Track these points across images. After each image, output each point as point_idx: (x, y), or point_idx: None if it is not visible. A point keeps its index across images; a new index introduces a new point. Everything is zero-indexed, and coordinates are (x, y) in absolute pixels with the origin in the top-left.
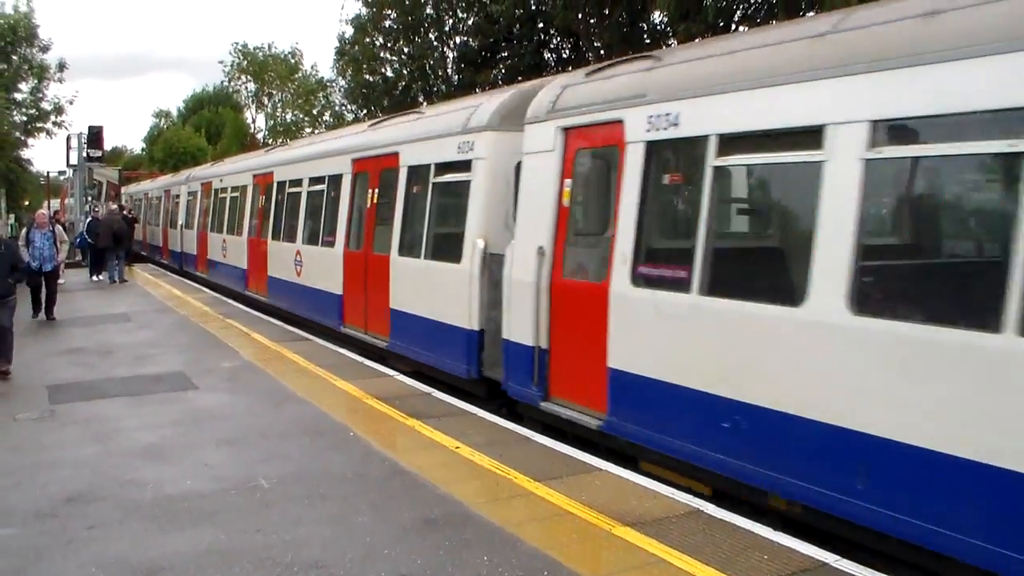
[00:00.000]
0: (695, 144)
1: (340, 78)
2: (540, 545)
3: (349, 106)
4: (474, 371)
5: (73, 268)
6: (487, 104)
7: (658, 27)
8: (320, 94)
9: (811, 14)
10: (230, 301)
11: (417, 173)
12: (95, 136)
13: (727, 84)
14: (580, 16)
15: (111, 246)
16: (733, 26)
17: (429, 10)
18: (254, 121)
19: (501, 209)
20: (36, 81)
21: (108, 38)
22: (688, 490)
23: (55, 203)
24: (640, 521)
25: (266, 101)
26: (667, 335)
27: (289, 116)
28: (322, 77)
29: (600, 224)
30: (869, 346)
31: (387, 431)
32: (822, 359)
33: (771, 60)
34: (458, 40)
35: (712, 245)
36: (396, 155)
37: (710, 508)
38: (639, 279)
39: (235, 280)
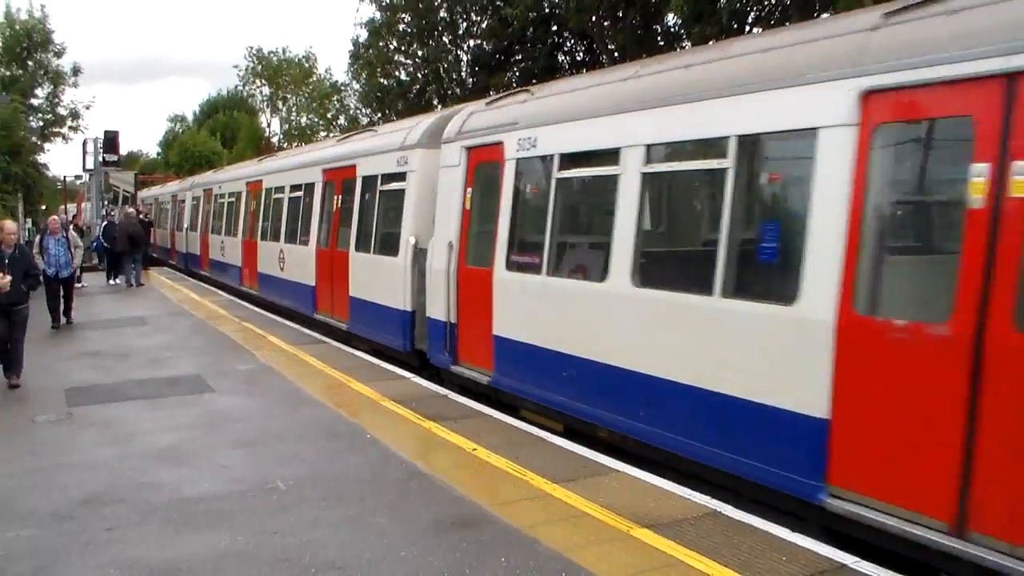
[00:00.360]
0: (545, 161)
1: (354, 82)
2: (558, 547)
3: (364, 110)
4: (408, 345)
5: (90, 272)
6: (419, 126)
7: (672, 29)
8: (335, 98)
9: (825, 15)
10: (245, 304)
11: (369, 182)
12: (111, 141)
13: (566, 116)
14: (594, 19)
15: (127, 250)
16: (747, 28)
17: (443, 13)
18: (269, 125)
19: (429, 212)
20: (52, 86)
21: (125, 43)
22: (543, 427)
23: (72, 207)
24: (658, 522)
25: (281, 105)
26: (528, 308)
27: (304, 120)
28: (336, 81)
29: (490, 223)
30: (643, 309)
31: (404, 433)
32: (617, 320)
33: (592, 97)
34: (472, 43)
35: (556, 239)
36: (354, 167)
37: (728, 509)
38: (512, 265)
39: (232, 277)
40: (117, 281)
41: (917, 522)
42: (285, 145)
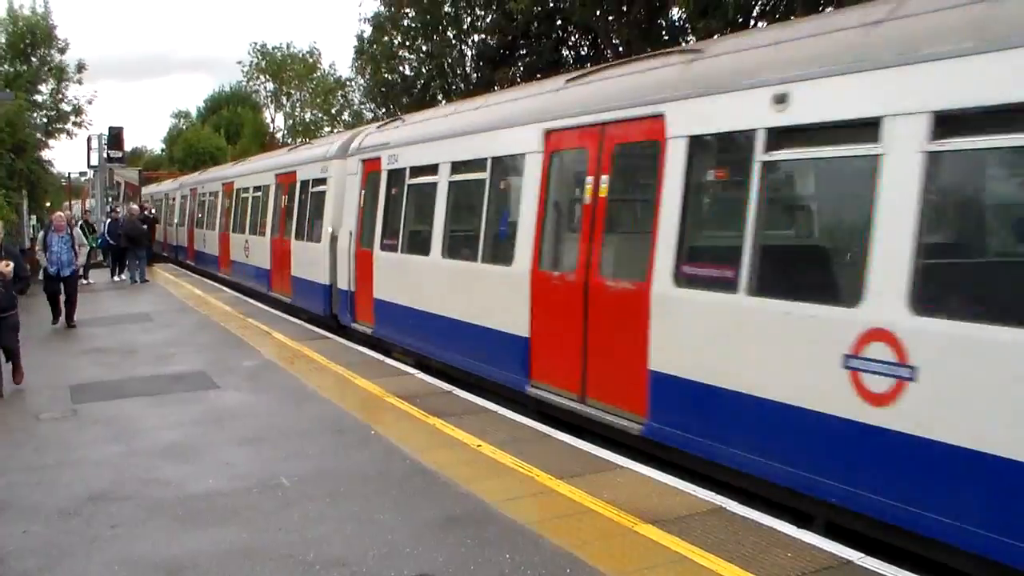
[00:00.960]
0: (403, 172)
1: (359, 77)
2: (563, 543)
3: (368, 105)
4: (327, 311)
5: (96, 269)
6: (336, 142)
7: (677, 23)
8: (339, 93)
9: (829, 9)
10: (250, 300)
11: (304, 185)
12: (115, 137)
13: (413, 140)
14: (598, 13)
15: (129, 247)
16: (752, 22)
17: (447, 8)
18: (273, 121)
19: (340, 208)
20: (55, 83)
21: (129, 40)
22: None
23: (77, 204)
24: (662, 518)
25: (285, 100)
26: (392, 276)
27: (308, 116)
28: (340, 76)
29: (373, 216)
30: (447, 273)
31: (408, 429)
32: (435, 281)
33: (426, 128)
34: (476, 38)
35: (408, 228)
36: (295, 172)
37: (732, 505)
38: (384, 246)
39: (212, 265)
40: (122, 278)
41: (566, 397)
42: (289, 141)
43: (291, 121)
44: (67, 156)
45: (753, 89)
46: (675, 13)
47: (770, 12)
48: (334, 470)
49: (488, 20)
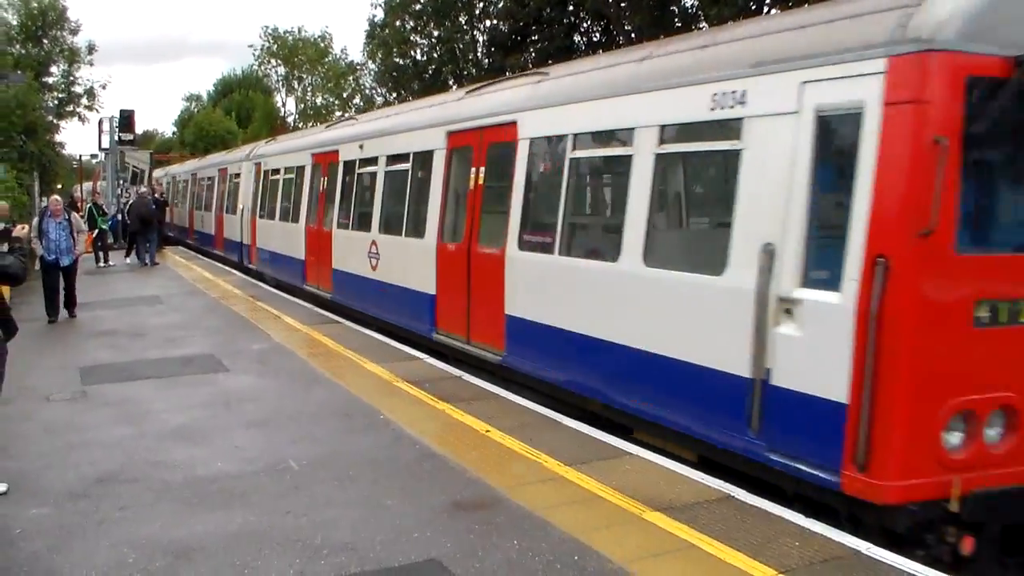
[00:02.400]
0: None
1: (370, 61)
2: (570, 529)
3: (379, 89)
4: (247, 262)
5: (111, 251)
6: (248, 150)
7: (689, 10)
8: (350, 77)
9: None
10: (261, 284)
11: (234, 176)
12: (127, 120)
13: (281, 151)
14: None
15: (139, 229)
16: (766, 8)
17: None
18: (284, 105)
19: (249, 195)
20: (67, 65)
21: (143, 24)
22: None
23: (88, 185)
24: (671, 506)
25: (296, 85)
26: (264, 232)
27: (319, 100)
28: (352, 60)
29: (256, 198)
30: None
31: (417, 414)
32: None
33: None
34: (488, 23)
35: (267, 206)
36: (226, 168)
37: (741, 494)
38: (260, 215)
39: (208, 243)
40: (128, 261)
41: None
42: (300, 125)
43: (302, 105)
44: (79, 139)
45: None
46: (688, 0)
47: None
48: (342, 454)
49: (500, 6)
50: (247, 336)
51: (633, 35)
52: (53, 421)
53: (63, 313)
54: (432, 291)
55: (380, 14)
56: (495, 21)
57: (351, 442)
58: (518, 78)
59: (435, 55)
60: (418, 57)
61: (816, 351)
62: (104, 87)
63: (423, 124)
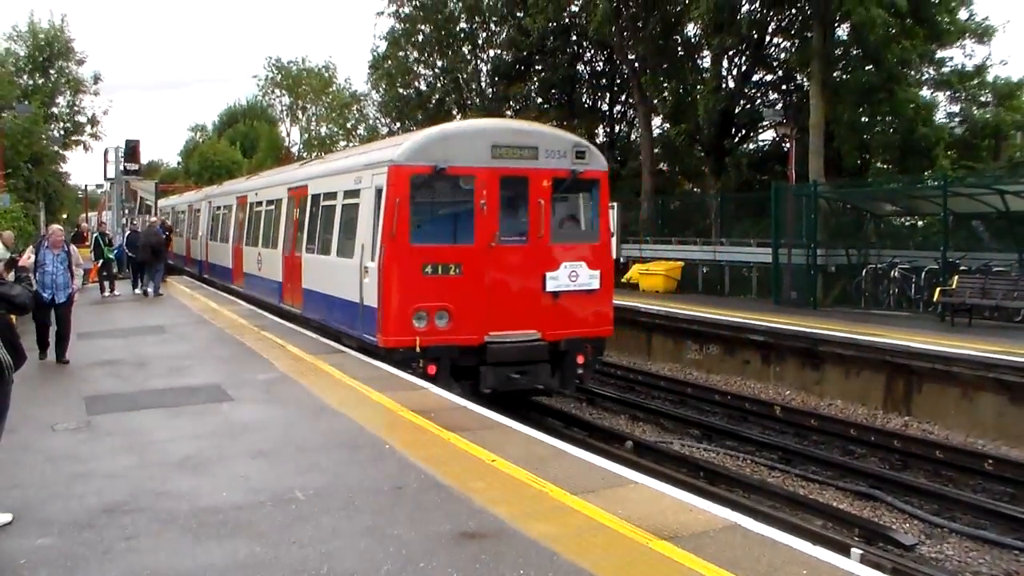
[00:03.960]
0: (197, 206)
1: (374, 92)
2: (577, 559)
3: (383, 119)
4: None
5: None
6: (205, 192)
7: (692, 40)
8: (354, 107)
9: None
10: (265, 314)
11: (192, 210)
12: (131, 149)
13: (217, 195)
14: (614, 29)
15: (149, 259)
16: (768, 38)
17: (463, 24)
18: (288, 135)
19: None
20: (72, 95)
21: (149, 55)
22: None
23: (94, 215)
24: (677, 535)
25: (300, 115)
26: (198, 249)
27: (324, 130)
28: (356, 91)
29: (207, 228)
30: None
31: (423, 444)
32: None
33: (224, 189)
34: (492, 53)
35: (208, 235)
36: (191, 205)
37: (748, 523)
38: (212, 239)
39: (182, 263)
40: (147, 290)
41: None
42: (304, 155)
43: (306, 135)
44: (84, 169)
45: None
46: (691, 29)
47: (785, 28)
48: (348, 484)
49: (503, 36)
50: (252, 366)
51: (636, 64)
52: (58, 451)
53: (50, 355)
54: (280, 279)
55: (383, 45)
56: (498, 51)
57: (357, 472)
58: (309, 164)
59: (439, 85)
60: (422, 87)
61: (371, 288)
62: (106, 112)
63: (276, 183)
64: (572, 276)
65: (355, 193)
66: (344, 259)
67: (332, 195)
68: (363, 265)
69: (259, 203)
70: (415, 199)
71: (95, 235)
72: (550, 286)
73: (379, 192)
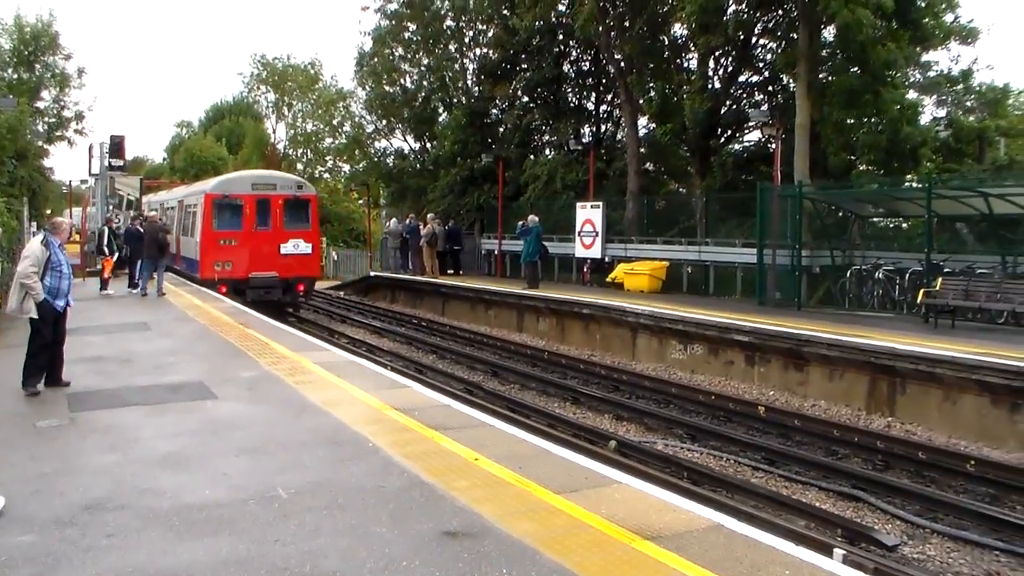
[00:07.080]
0: (171, 205)
1: (360, 89)
2: (559, 558)
3: (368, 117)
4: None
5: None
6: (206, 184)
7: (679, 40)
8: (340, 104)
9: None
10: (249, 311)
11: (191, 205)
12: (116, 145)
13: (166, 198)
14: (601, 29)
15: (155, 256)
16: (754, 39)
17: (449, 22)
18: (274, 131)
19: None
20: (58, 89)
21: (134, 50)
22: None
23: (77, 211)
24: (660, 535)
25: (286, 111)
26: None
27: (310, 126)
28: (342, 88)
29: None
30: (194, 242)
31: (407, 442)
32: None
33: (170, 193)
34: (478, 52)
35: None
36: (182, 200)
37: (731, 523)
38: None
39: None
40: (145, 291)
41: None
42: (291, 152)
43: (292, 131)
44: (68, 164)
45: (200, 193)
46: (677, 29)
47: (772, 29)
48: (331, 482)
49: (490, 34)
50: (236, 363)
51: (623, 64)
52: (40, 448)
53: (41, 387)
54: (198, 258)
55: (369, 43)
56: (485, 50)
57: (340, 470)
58: (180, 187)
59: (424, 83)
60: (408, 85)
61: (198, 251)
62: (91, 108)
63: (198, 191)
64: (295, 246)
65: (195, 204)
66: (191, 238)
67: (192, 205)
68: (196, 240)
69: (173, 207)
70: (216, 209)
71: (101, 229)
72: (283, 251)
73: (202, 205)
